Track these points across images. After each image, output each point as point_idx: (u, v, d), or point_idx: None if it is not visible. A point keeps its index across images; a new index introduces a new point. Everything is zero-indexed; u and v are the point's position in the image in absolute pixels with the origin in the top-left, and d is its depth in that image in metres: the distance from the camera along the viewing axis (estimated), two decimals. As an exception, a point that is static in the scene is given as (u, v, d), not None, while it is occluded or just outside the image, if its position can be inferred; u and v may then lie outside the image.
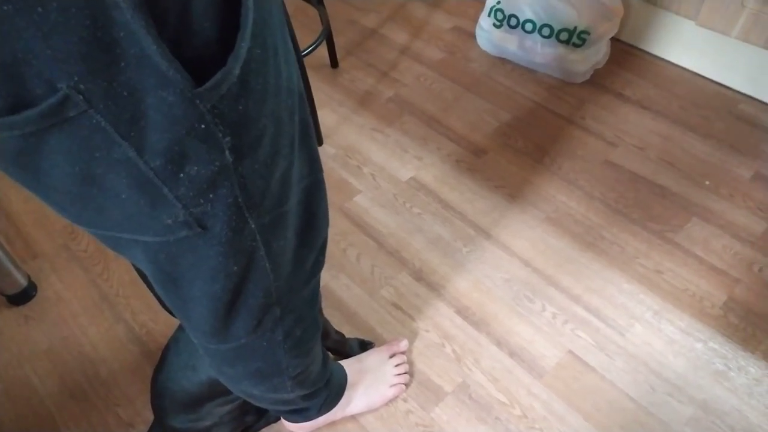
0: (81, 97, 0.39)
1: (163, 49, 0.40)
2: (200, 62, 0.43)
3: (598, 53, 1.74)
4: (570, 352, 1.20)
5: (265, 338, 0.71)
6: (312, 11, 2.01)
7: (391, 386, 1.12)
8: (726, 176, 1.49)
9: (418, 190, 1.49)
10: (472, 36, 1.94)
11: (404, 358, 1.17)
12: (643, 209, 1.43)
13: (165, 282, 0.59)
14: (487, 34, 1.86)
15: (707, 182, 1.48)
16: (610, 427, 1.09)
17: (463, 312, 1.26)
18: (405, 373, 1.15)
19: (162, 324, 1.26)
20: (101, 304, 1.29)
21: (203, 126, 0.45)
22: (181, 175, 0.47)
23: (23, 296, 1.29)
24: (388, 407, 1.13)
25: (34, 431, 1.12)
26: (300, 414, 1.00)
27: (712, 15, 1.62)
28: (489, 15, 1.83)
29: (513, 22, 1.77)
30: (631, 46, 1.87)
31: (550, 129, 1.65)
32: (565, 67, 1.75)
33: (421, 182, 1.50)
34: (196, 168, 0.47)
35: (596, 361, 1.18)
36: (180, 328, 0.97)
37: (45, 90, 0.39)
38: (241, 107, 0.47)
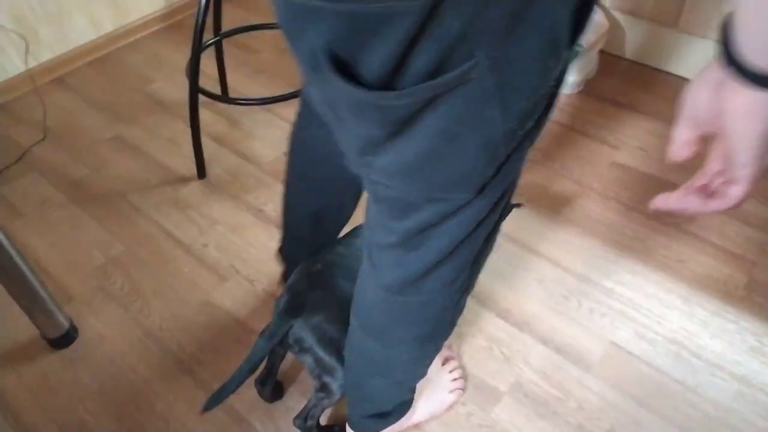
0: (487, 62, 0.44)
1: (570, 19, 0.45)
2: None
3: (589, 64, 1.85)
4: (612, 343, 1.24)
5: (448, 298, 0.74)
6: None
7: (450, 392, 1.15)
8: (725, 168, 1.59)
9: (441, 204, 1.54)
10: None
11: (456, 363, 1.20)
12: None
13: (414, 234, 0.63)
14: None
15: (710, 175, 1.57)
16: (663, 410, 1.14)
17: (503, 315, 1.30)
18: (460, 378, 1.18)
19: (211, 352, 1.26)
20: (146, 340, 1.29)
21: (550, 92, 0.51)
22: (515, 136, 0.52)
23: (66, 339, 1.27)
24: (449, 412, 1.15)
25: (95, 473, 1.10)
26: (382, 419, 1.01)
27: (691, 21, 1.75)
28: (483, 36, 1.93)
29: (508, 41, 1.87)
30: (617, 56, 1.99)
31: (555, 138, 1.73)
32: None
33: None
34: (525, 129, 0.53)
35: (639, 349, 1.23)
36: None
37: (463, 57, 0.43)
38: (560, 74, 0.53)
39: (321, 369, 1.00)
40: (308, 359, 1.01)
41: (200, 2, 1.39)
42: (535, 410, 1.15)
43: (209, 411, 1.00)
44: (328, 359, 0.99)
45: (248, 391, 1.19)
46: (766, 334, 1.24)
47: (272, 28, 1.82)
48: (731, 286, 1.33)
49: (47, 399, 1.20)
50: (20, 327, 1.29)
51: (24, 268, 1.16)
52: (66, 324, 1.27)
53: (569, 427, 1.12)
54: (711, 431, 1.10)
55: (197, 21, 1.40)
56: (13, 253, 1.13)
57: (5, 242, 1.11)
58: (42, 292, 1.21)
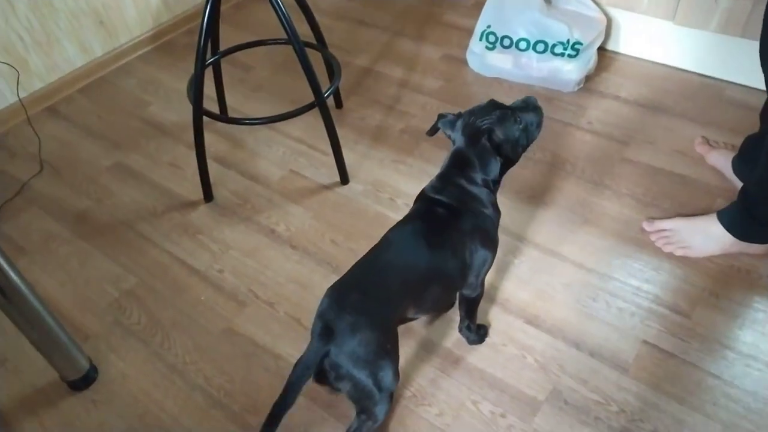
0: None
1: None
2: None
3: (589, 61, 1.85)
4: (645, 342, 1.23)
5: None
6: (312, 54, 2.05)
7: None
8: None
9: (456, 212, 1.52)
10: (463, 62, 2.03)
11: None
12: (671, 198, 1.51)
13: None
14: (479, 57, 1.95)
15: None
16: (703, 406, 1.13)
17: (533, 321, 1.29)
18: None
19: (239, 382, 1.23)
20: (171, 375, 1.25)
21: None
22: None
23: (86, 380, 1.23)
24: (488, 425, 1.13)
25: None
26: None
27: (688, 14, 1.75)
28: (480, 39, 1.92)
29: (506, 42, 1.86)
30: (615, 52, 1.99)
31: (562, 137, 1.72)
32: (561, 78, 1.85)
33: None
34: None
35: (672, 346, 1.22)
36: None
37: None
38: None
39: (360, 394, 0.98)
40: (346, 385, 0.98)
41: (202, 24, 1.36)
42: (576, 417, 1.13)
43: None
44: (365, 382, 0.96)
45: (284, 421, 1.16)
46: (795, 322, 1.24)
47: (270, 44, 1.79)
48: (755, 276, 1.33)
49: (73, 444, 1.16)
50: (37, 370, 1.25)
51: (40, 309, 1.12)
52: (86, 364, 1.22)
53: (613, 431, 1.11)
54: (754, 424, 1.10)
55: (200, 42, 1.37)
56: (28, 294, 1.09)
57: (20, 283, 1.07)
58: (60, 333, 1.16)
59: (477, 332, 1.25)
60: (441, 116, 1.11)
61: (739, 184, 1.40)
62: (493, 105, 1.09)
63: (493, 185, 1.09)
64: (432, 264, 1.04)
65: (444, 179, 1.09)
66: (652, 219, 1.44)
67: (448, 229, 1.06)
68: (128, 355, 1.29)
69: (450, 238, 1.06)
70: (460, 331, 1.25)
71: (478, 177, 1.07)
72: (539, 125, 1.11)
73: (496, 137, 1.04)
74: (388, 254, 1.05)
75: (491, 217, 1.10)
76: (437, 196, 1.08)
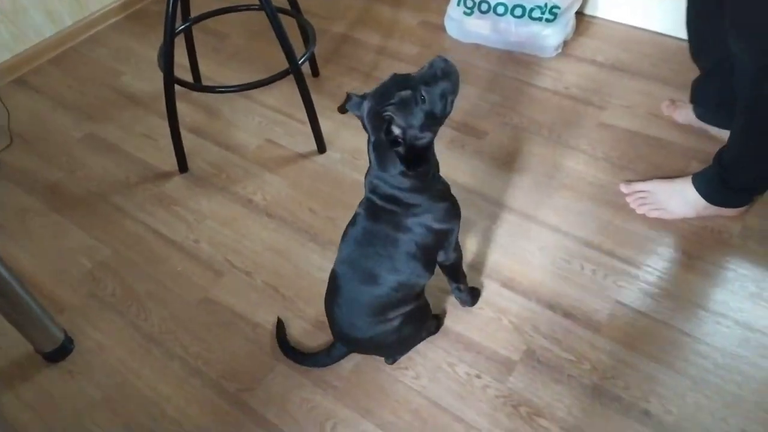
0: None
1: None
2: None
3: (567, 26, 1.83)
4: (618, 302, 1.25)
5: None
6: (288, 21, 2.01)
7: None
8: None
9: (433, 178, 1.52)
10: (441, 28, 2.00)
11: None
12: (646, 161, 1.52)
13: None
14: (457, 23, 1.92)
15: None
16: (674, 363, 1.15)
17: (508, 284, 1.30)
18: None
19: (217, 351, 1.23)
20: (147, 345, 1.25)
21: None
22: None
23: (62, 352, 1.23)
24: (464, 386, 1.15)
25: (111, 485, 1.07)
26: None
27: (666, -24, 1.74)
28: (458, 5, 1.89)
29: (484, 7, 1.84)
30: (593, 16, 1.98)
31: (539, 103, 1.72)
32: (539, 43, 1.83)
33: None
34: None
35: (644, 306, 1.24)
36: (337, 262, 1.07)
37: None
38: None
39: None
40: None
41: (168, -12, 1.32)
42: (550, 375, 1.15)
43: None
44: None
45: (262, 387, 1.17)
46: (764, 280, 1.27)
47: (241, 10, 1.75)
48: (726, 236, 1.35)
49: (51, 415, 1.16)
50: (11, 343, 1.24)
51: (13, 282, 1.11)
52: (60, 336, 1.22)
53: (585, 389, 1.13)
54: (722, 379, 1.12)
55: (168, 8, 1.34)
56: (0, 267, 1.07)
57: (-11, 257, 1.06)
58: (33, 305, 1.15)
59: (470, 293, 1.25)
60: (349, 97, 0.97)
61: (714, 131, 1.44)
62: (395, 83, 0.92)
63: (418, 175, 0.96)
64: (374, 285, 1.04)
65: (373, 178, 0.99)
66: (629, 181, 1.45)
67: (385, 238, 1.01)
68: (104, 326, 1.29)
69: (387, 248, 1.02)
70: (454, 294, 1.25)
71: (396, 176, 0.95)
72: (454, 91, 0.94)
73: (395, 128, 0.90)
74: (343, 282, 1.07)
75: (426, 211, 1.01)
76: (372, 197, 1.01)
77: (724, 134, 1.34)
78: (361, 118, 0.95)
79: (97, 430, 1.13)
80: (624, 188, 1.44)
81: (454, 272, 1.19)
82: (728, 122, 1.28)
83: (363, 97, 0.95)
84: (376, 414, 1.12)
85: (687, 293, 1.26)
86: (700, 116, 1.52)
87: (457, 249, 1.14)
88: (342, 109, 0.98)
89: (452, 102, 0.94)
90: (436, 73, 0.92)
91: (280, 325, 1.24)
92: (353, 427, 1.11)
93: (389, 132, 0.90)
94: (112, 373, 1.21)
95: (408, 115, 0.90)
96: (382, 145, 0.92)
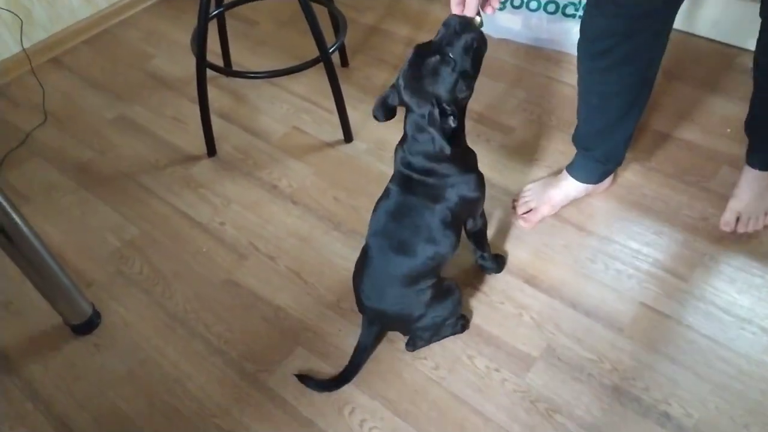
0: None
1: None
2: None
3: (600, 24, 1.81)
4: (642, 303, 1.24)
5: None
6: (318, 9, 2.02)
7: None
8: (742, 123, 1.57)
9: (459, 172, 1.52)
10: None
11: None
12: (675, 164, 1.50)
13: None
14: (488, 17, 1.90)
15: (728, 130, 1.56)
16: (696, 367, 1.14)
17: (531, 281, 1.30)
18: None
19: (239, 331, 1.25)
20: (172, 323, 1.27)
21: None
22: None
23: (89, 325, 1.25)
24: (482, 379, 1.15)
25: (132, 457, 1.09)
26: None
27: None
28: (490, -1, 1.88)
29: (517, 2, 1.82)
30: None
31: (568, 100, 1.70)
32: (571, 40, 1.80)
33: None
34: None
35: (668, 309, 1.23)
36: (369, 235, 1.08)
37: None
38: None
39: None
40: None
41: (205, -28, 1.33)
42: (569, 374, 1.15)
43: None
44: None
45: (281, 368, 1.18)
46: (793, 288, 1.25)
47: (274, -3, 1.76)
48: (755, 242, 1.33)
49: (77, 387, 1.19)
50: (42, 315, 1.27)
51: (44, 254, 1.13)
52: (89, 310, 1.25)
53: (604, 388, 1.12)
54: (745, 385, 1.11)
55: (203, -8, 1.35)
56: (33, 239, 1.10)
57: (24, 228, 1.09)
58: (63, 278, 1.18)
59: (494, 260, 1.28)
60: (379, 101, 1.02)
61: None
62: (420, 55, 0.93)
63: (456, 142, 0.98)
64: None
65: (407, 152, 1.02)
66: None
67: (419, 213, 1.04)
68: (130, 303, 1.31)
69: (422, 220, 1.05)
70: (480, 263, 1.28)
71: (433, 147, 0.96)
72: (478, 39, 0.94)
73: (443, 97, 0.93)
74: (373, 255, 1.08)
75: (461, 182, 1.05)
76: (406, 171, 1.03)
77: None
78: (400, 102, 0.98)
79: (121, 403, 1.16)
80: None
81: (481, 238, 1.23)
82: None
83: (392, 87, 0.98)
84: (395, 402, 1.13)
85: (712, 298, 1.24)
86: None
87: (483, 216, 1.19)
88: (376, 117, 1.04)
89: (480, 51, 0.95)
90: (455, 30, 0.93)
91: (303, 377, 1.16)
92: (371, 413, 1.12)
93: (439, 105, 0.92)
94: (136, 349, 1.23)
95: (445, 80, 0.92)
96: (430, 117, 0.93)
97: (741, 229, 1.34)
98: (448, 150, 0.95)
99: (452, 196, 1.04)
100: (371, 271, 1.08)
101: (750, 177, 1.35)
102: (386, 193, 1.07)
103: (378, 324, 1.15)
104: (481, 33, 0.95)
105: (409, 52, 0.95)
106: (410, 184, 1.03)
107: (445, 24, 0.94)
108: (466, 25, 0.94)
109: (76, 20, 2.00)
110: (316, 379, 1.15)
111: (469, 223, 1.16)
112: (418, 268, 1.05)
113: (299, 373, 1.16)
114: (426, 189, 1.03)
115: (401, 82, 0.96)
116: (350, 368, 1.15)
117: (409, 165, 1.02)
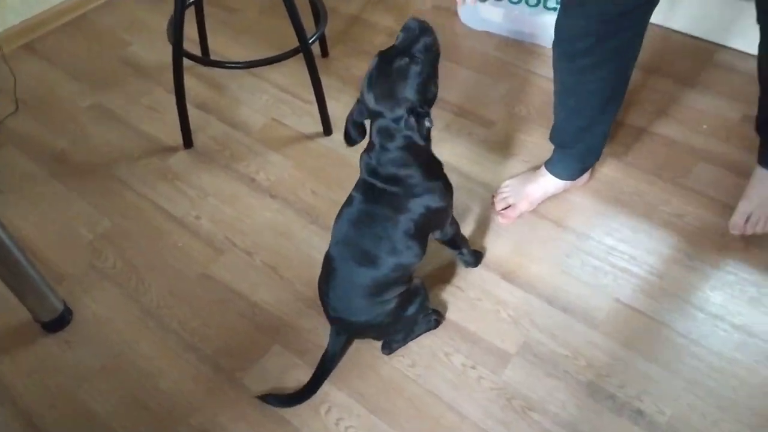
0: None
1: None
2: None
3: (582, 18, 1.80)
4: (617, 300, 1.25)
5: None
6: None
7: None
8: (718, 119, 1.58)
9: (439, 166, 1.51)
10: (454, 13, 1.97)
11: None
12: (652, 159, 1.51)
13: None
14: (471, 9, 1.90)
15: (704, 126, 1.57)
16: (670, 363, 1.15)
17: (508, 277, 1.30)
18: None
19: (214, 327, 1.23)
20: (145, 319, 1.25)
21: None
22: None
23: (60, 322, 1.23)
24: (459, 376, 1.15)
25: (104, 455, 1.08)
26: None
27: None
28: (473, -10, 1.86)
29: (498, -6, 1.81)
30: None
31: (549, 95, 1.69)
32: (552, 34, 1.80)
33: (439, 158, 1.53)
34: None
35: (643, 305, 1.24)
36: (332, 244, 1.07)
37: None
38: None
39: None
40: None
41: (180, -41, 1.30)
42: (545, 370, 1.15)
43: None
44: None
45: (257, 366, 1.17)
46: (765, 285, 1.26)
47: (253, -15, 1.73)
48: (729, 239, 1.34)
49: (46, 383, 1.17)
50: (10, 310, 1.24)
51: (13, 247, 1.11)
52: (60, 306, 1.22)
53: (580, 385, 1.13)
54: (717, 382, 1.13)
55: (178, -21, 1.32)
56: (0, 231, 1.07)
57: (-9, 223, 1.06)
58: (33, 274, 1.16)
59: (473, 255, 1.28)
60: (347, 125, 1.03)
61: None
62: (385, 61, 0.95)
63: (421, 148, 0.99)
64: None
65: (372, 160, 1.00)
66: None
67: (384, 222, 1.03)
68: (103, 298, 1.29)
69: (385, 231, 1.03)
70: (458, 259, 1.29)
71: (398, 153, 0.97)
72: (435, 41, 0.96)
73: (413, 99, 0.94)
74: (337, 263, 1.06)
75: (426, 191, 1.03)
76: (371, 179, 1.02)
77: None
78: (367, 114, 0.98)
79: (92, 401, 1.14)
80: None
81: (454, 243, 1.22)
82: None
83: (358, 101, 0.99)
84: (371, 400, 1.13)
85: (686, 294, 1.25)
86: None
87: (453, 223, 1.18)
88: (349, 139, 1.04)
89: (438, 54, 0.97)
90: (415, 33, 0.95)
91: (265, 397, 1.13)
92: (347, 411, 1.11)
93: (414, 108, 0.93)
94: (109, 345, 1.22)
95: (415, 81, 0.93)
96: (406, 120, 0.93)
97: (750, 231, 1.31)
98: (422, 142, 0.96)
99: (416, 207, 1.02)
100: (336, 283, 1.06)
101: (761, 176, 1.34)
102: (349, 200, 1.05)
103: (345, 334, 1.14)
104: (436, 37, 0.97)
105: (372, 60, 0.95)
106: (373, 192, 1.01)
107: (405, 28, 0.96)
108: (425, 28, 0.96)
109: (50, 5, 1.94)
110: (280, 396, 1.11)
111: (438, 234, 1.15)
112: (382, 279, 1.03)
113: (260, 395, 1.12)
114: (389, 198, 1.01)
115: (367, 91, 0.95)
116: (316, 379, 1.12)
117: (374, 172, 1.00)
